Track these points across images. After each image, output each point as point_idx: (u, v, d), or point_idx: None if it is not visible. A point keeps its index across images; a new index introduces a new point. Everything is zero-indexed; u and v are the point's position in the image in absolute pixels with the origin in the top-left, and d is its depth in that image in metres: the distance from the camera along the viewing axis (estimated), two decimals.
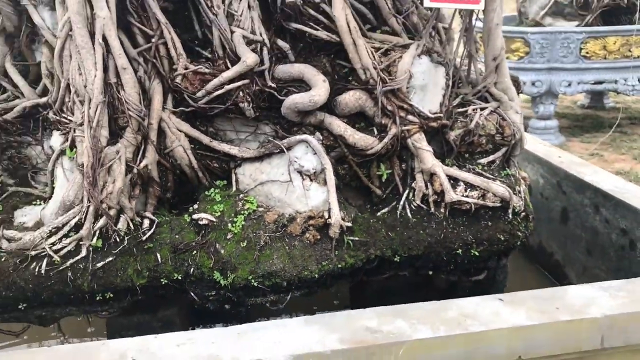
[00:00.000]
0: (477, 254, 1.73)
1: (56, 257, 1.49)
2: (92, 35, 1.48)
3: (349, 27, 1.67)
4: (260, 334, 1.36)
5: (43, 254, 1.50)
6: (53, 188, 1.58)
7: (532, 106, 6.47)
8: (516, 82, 2.19)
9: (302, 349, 1.31)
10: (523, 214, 1.78)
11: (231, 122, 1.68)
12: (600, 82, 6.25)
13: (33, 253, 1.50)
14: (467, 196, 1.70)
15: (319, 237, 1.64)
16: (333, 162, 1.68)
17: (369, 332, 1.37)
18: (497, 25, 1.74)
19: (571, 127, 7.00)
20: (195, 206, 1.67)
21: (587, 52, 6.14)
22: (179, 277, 1.60)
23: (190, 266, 1.59)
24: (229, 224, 1.62)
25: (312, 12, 1.73)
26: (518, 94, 2.23)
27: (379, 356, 1.33)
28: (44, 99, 1.65)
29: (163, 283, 1.60)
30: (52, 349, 1.34)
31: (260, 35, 1.69)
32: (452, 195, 1.68)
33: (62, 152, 1.55)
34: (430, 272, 1.78)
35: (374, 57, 1.68)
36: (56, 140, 1.59)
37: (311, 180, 1.64)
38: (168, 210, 1.70)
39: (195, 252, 1.60)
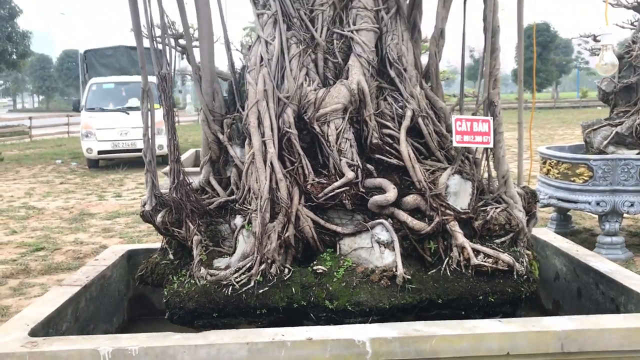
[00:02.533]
0: (493, 300, 2.66)
1: (237, 286, 2.59)
2: (264, 162, 2.69)
3: (409, 157, 2.79)
4: (352, 328, 2.37)
5: (230, 283, 2.61)
6: (236, 247, 2.74)
7: (600, 224, 7.09)
8: (533, 192, 3.18)
9: (376, 335, 2.30)
10: (525, 277, 2.70)
11: (337, 212, 2.79)
12: None
13: (224, 283, 2.61)
14: (485, 262, 2.67)
15: (389, 283, 2.64)
16: (399, 239, 2.72)
17: (415, 330, 2.33)
18: (503, 156, 2.80)
19: None
20: (315, 262, 2.75)
21: None
22: (304, 303, 2.65)
23: (311, 296, 2.64)
24: (334, 273, 2.68)
25: (387, 148, 2.87)
26: (536, 202, 3.21)
27: (420, 343, 2.28)
28: (232, 197, 2.86)
29: (295, 307, 2.65)
30: (236, 330, 2.41)
31: (357, 161, 2.83)
32: (475, 261, 2.66)
33: (242, 226, 2.72)
34: (463, 312, 2.72)
35: (424, 175, 2.77)
36: (239, 220, 2.77)
37: (385, 247, 2.70)
38: (298, 265, 2.79)
39: (314, 288, 2.65)
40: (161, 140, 16.13)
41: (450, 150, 2.90)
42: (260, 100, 2.73)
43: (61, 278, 6.64)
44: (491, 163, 2.93)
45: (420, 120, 2.85)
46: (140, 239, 8.28)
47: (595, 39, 7.94)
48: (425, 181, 2.74)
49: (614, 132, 7.42)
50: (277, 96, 2.77)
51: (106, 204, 11.20)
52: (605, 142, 7.42)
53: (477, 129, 2.73)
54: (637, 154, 6.97)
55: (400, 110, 2.90)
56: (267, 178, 2.66)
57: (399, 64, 2.89)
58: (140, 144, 16.11)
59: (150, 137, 2.82)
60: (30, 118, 28.95)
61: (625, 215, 6.99)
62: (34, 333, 2.44)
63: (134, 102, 16.83)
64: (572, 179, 6.90)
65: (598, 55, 7.96)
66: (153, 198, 2.85)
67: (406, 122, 2.84)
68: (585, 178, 6.81)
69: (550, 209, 8.07)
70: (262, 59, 2.79)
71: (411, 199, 2.74)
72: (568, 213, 8.08)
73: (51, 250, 7.83)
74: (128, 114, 16.32)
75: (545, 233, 3.86)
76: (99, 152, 15.98)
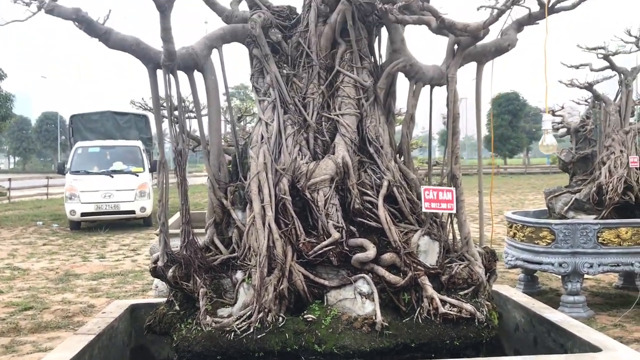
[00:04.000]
0: (458, 344, 3.10)
1: (238, 332, 2.99)
2: (263, 224, 3.16)
3: (386, 220, 3.28)
4: None
5: (232, 330, 3.01)
6: (237, 298, 3.16)
7: (563, 284, 7.58)
8: (492, 252, 3.68)
9: None
10: (485, 324, 3.16)
11: (325, 267, 3.25)
12: (618, 265, 7.38)
13: (227, 329, 3.01)
14: (451, 311, 3.12)
15: (370, 329, 3.07)
16: (378, 291, 3.17)
17: None
18: (465, 220, 3.31)
19: (602, 304, 8.00)
20: (305, 312, 3.18)
21: (603, 240, 7.35)
22: (296, 347, 3.05)
23: (302, 341, 3.04)
24: (322, 321, 3.10)
25: (367, 212, 3.36)
26: (495, 261, 3.71)
27: None
28: (233, 255, 3.31)
29: (288, 350, 3.05)
30: None
31: (341, 224, 3.30)
32: (442, 310, 3.11)
33: (243, 280, 3.15)
34: (433, 355, 3.15)
35: (399, 235, 3.26)
36: (239, 274, 3.20)
37: (366, 298, 3.14)
38: (290, 314, 3.21)
39: (305, 334, 3.06)
40: (144, 202, 16.51)
41: (420, 214, 3.40)
42: (261, 172, 3.23)
43: (52, 336, 6.87)
44: (455, 226, 3.44)
45: (395, 189, 3.37)
46: (127, 298, 8.53)
47: (554, 114, 8.70)
48: (400, 241, 3.22)
49: (573, 199, 8.07)
50: (274, 168, 3.28)
51: (90, 264, 11.42)
52: (566, 208, 8.05)
53: (442, 197, 3.25)
54: (595, 218, 7.58)
55: (378, 180, 3.42)
56: (265, 238, 3.12)
57: (377, 142, 3.43)
58: (123, 206, 16.52)
59: (164, 202, 3.28)
60: (9, 179, 29.05)
61: (586, 276, 7.50)
62: None
63: (119, 165, 17.27)
64: (536, 242, 7.44)
65: (559, 128, 8.71)
66: (165, 255, 3.28)
67: (383, 191, 3.35)
68: (548, 241, 7.35)
69: (519, 270, 8.57)
70: (262, 137, 3.31)
71: (388, 256, 3.21)
72: (535, 274, 8.59)
73: (40, 309, 8.04)
74: (112, 176, 16.71)
75: (507, 289, 4.33)
76: (82, 214, 16.23)
